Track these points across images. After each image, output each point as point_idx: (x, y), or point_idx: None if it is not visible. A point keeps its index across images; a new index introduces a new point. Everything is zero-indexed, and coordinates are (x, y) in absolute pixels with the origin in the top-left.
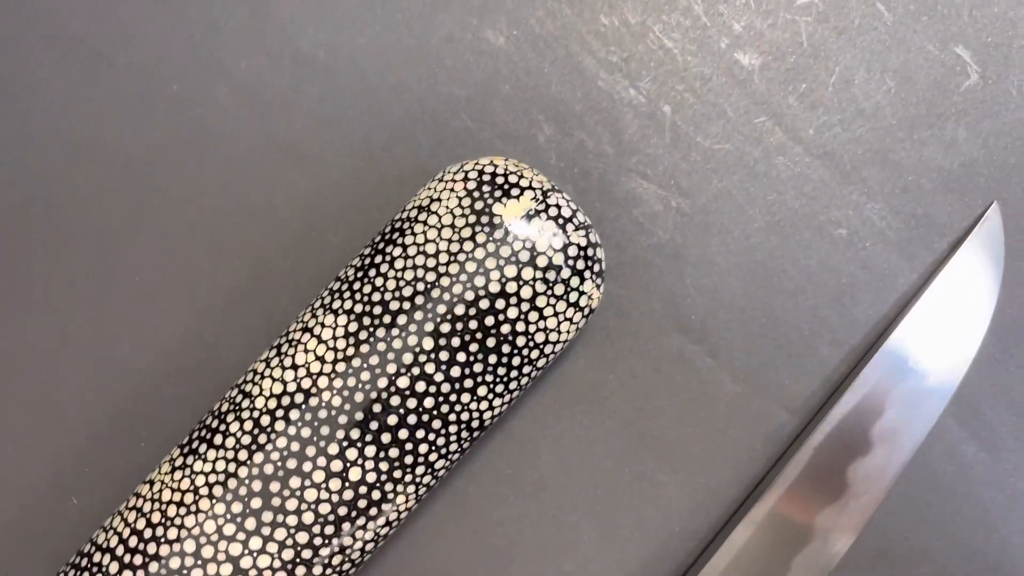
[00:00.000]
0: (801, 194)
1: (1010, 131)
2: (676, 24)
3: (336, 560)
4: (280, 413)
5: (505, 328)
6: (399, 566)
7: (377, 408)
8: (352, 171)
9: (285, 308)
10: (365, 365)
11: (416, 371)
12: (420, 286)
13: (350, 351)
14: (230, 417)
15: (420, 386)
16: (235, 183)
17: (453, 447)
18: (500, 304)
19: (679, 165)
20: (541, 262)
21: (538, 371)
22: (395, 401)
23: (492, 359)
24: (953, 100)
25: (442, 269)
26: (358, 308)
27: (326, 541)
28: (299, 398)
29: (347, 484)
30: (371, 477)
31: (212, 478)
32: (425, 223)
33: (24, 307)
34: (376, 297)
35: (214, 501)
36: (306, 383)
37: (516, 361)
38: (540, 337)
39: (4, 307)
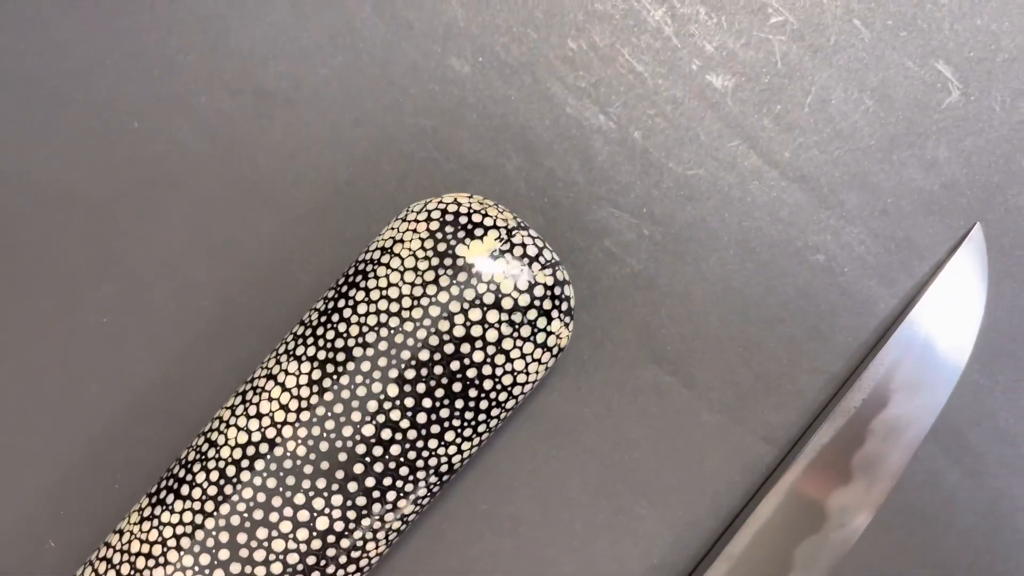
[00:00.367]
0: (777, 220)
1: (993, 149)
2: (646, 46)
3: None
4: (245, 463)
5: (471, 372)
6: None
7: (343, 457)
8: (318, 206)
9: (254, 347)
10: (329, 413)
11: (381, 418)
12: (383, 331)
13: (314, 399)
14: (196, 467)
15: (386, 433)
16: (200, 221)
17: (422, 492)
18: (465, 348)
19: (651, 192)
20: (506, 304)
21: (507, 412)
22: (361, 449)
23: (459, 404)
24: (934, 118)
25: (405, 314)
26: (321, 355)
27: None
28: (264, 448)
29: (315, 534)
30: (339, 526)
31: (179, 529)
32: (388, 265)
33: None
34: (339, 343)
35: (182, 553)
36: (270, 432)
37: (484, 405)
38: (508, 380)
39: None
